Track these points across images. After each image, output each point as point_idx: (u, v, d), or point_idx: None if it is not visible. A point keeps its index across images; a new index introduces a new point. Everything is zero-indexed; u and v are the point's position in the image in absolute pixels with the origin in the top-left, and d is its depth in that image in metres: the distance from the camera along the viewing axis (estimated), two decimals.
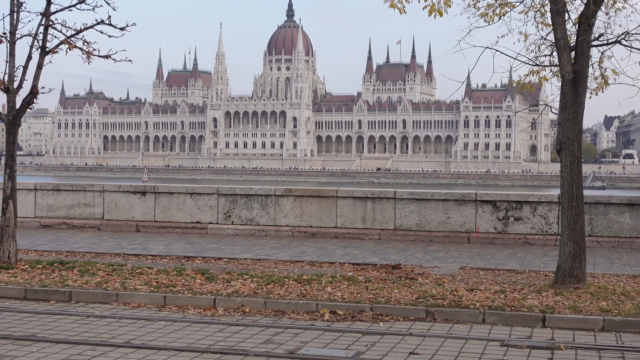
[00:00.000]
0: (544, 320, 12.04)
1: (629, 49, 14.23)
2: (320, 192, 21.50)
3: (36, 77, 16.52)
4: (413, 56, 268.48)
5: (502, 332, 11.63)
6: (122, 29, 16.75)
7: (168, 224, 22.17)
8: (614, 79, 14.96)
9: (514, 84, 15.41)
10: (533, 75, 15.21)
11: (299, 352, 10.41)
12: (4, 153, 17.11)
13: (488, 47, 14.61)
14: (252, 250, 18.56)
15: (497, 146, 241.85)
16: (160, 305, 13.25)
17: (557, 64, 14.31)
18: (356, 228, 21.01)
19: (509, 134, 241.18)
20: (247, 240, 20.39)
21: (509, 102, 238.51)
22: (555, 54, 14.58)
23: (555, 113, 14.53)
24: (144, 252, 18.16)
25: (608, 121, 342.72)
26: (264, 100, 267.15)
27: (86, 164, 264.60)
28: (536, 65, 14.79)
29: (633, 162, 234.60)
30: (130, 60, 17.46)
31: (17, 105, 16.66)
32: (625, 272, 15.67)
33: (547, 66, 14.85)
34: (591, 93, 14.63)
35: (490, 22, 14.66)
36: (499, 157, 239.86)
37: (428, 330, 11.70)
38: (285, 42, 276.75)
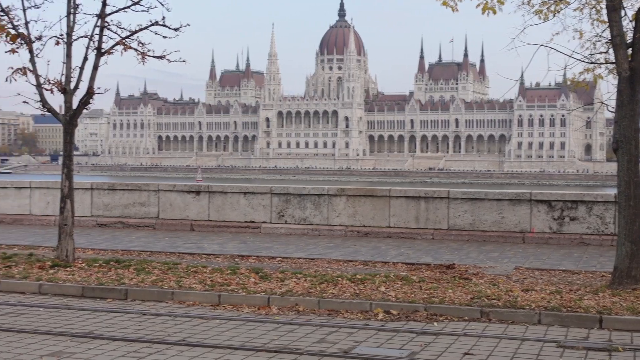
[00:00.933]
0: (601, 322, 11.87)
1: None
2: (373, 191, 21.49)
3: (92, 78, 16.75)
4: (465, 55, 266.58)
5: (558, 333, 11.50)
6: (176, 29, 16.92)
7: (222, 223, 22.35)
8: None
9: (569, 82, 15.22)
10: (588, 73, 15.01)
11: (353, 351, 10.42)
12: (61, 153, 17.37)
13: (542, 45, 14.46)
14: (305, 250, 18.63)
15: (551, 145, 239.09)
16: (215, 303, 13.35)
17: (613, 61, 14.11)
18: (409, 228, 20.95)
19: (564, 133, 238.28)
20: (300, 240, 20.46)
21: (563, 100, 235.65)
22: (611, 51, 14.39)
23: (611, 111, 14.33)
24: (198, 250, 18.33)
25: None
26: (316, 100, 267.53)
27: (141, 164, 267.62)
28: (591, 62, 14.59)
29: None
30: (184, 61, 17.61)
31: (74, 106, 16.91)
32: None
33: (602, 64, 14.64)
34: None
35: (545, 20, 14.51)
36: (553, 157, 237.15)
37: (483, 331, 11.62)
38: (337, 42, 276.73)
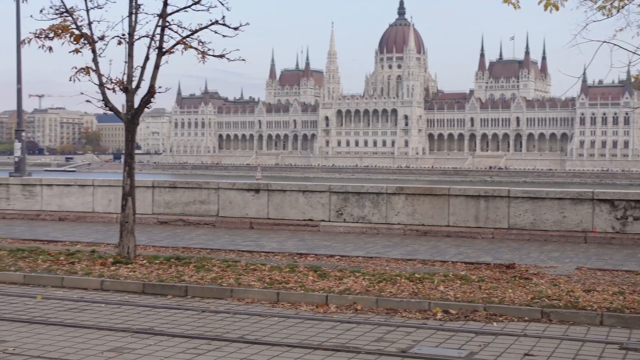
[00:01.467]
0: None
1: None
2: (432, 190, 21.37)
3: (153, 77, 16.92)
4: (527, 52, 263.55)
5: (621, 335, 11.29)
6: (235, 28, 16.98)
7: (281, 221, 22.43)
8: None
9: (632, 79, 14.91)
10: None
11: (411, 350, 10.36)
12: (123, 152, 17.60)
13: (605, 42, 14.23)
14: (363, 248, 18.59)
15: (615, 144, 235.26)
16: (274, 301, 13.39)
17: None
18: (469, 227, 20.79)
19: (627, 132, 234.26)
20: (359, 238, 20.44)
21: (626, 98, 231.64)
22: None
23: None
24: (257, 248, 18.42)
25: None
26: (375, 98, 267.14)
27: (202, 162, 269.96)
28: None
29: None
30: (243, 59, 17.67)
31: (136, 105, 17.11)
32: None
33: None
34: None
35: (609, 16, 14.24)
36: (616, 155, 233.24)
37: (543, 332, 11.47)
38: (396, 40, 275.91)
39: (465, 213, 20.86)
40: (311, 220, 22.21)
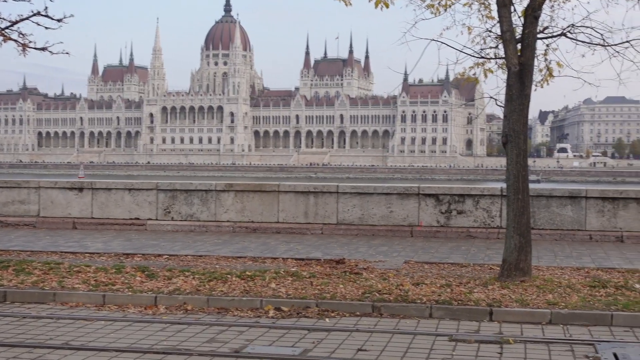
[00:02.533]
0: (491, 314, 11.93)
1: (574, 41, 14.21)
2: (261, 186, 21.19)
3: None
4: (350, 51, 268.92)
5: (450, 327, 11.49)
6: (59, 20, 16.25)
7: (106, 221, 21.63)
8: (559, 71, 14.94)
9: (459, 76, 15.24)
10: (478, 68, 15.08)
11: (245, 350, 10.13)
12: None
13: (434, 40, 14.49)
14: (192, 247, 18.17)
15: (434, 140, 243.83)
16: (100, 304, 12.83)
17: (503, 56, 14.23)
18: (298, 223, 20.75)
19: (446, 129, 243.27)
20: (188, 237, 19.98)
21: (445, 96, 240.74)
22: (500, 46, 14.50)
23: (500, 106, 14.43)
24: (81, 249, 17.63)
25: (542, 116, 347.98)
26: (201, 95, 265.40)
27: (20, 160, 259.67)
28: (481, 57, 14.67)
29: (567, 156, 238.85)
30: (67, 53, 16.96)
31: None
32: (569, 264, 15.68)
33: (492, 58, 14.75)
34: (536, 85, 14.57)
35: (437, 14, 14.51)
36: (435, 152, 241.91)
37: (375, 326, 11.51)
38: (222, 37, 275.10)
39: (295, 209, 20.81)
40: (138, 219, 21.55)
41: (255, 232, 20.60)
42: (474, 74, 15.09)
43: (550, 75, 15.00)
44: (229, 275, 14.10)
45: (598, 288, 13.16)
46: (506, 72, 14.04)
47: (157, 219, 21.45)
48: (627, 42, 14.06)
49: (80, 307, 12.69)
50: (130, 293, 13.03)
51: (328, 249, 17.81)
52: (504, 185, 20.79)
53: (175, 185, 21.53)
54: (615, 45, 13.97)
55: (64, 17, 16.23)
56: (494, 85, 15.09)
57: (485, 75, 15.17)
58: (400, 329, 11.37)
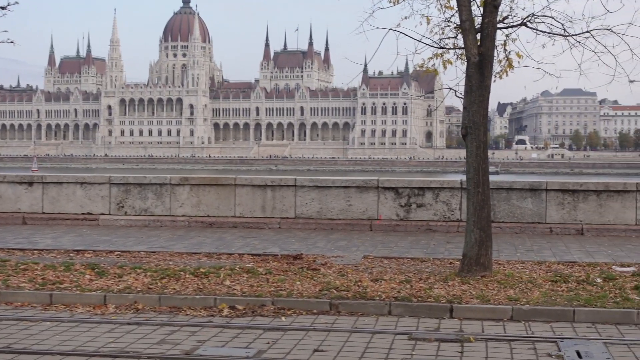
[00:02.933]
0: (452, 311, 11.62)
1: (535, 31, 13.93)
2: (217, 180, 20.71)
3: None
4: (310, 43, 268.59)
5: (410, 325, 11.15)
6: (2, 8, 15.67)
7: (57, 216, 20.99)
8: (518, 62, 14.67)
9: (417, 67, 14.89)
10: (437, 59, 14.75)
11: (196, 352, 9.71)
12: None
13: (392, 29, 14.13)
14: (146, 242, 17.66)
15: (394, 133, 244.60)
16: (46, 304, 12.30)
17: (462, 46, 13.92)
18: (256, 217, 20.32)
19: (405, 121, 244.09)
20: (141, 232, 19.44)
21: (405, 89, 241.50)
22: (459, 36, 14.20)
23: (459, 97, 14.10)
24: (30, 246, 17.03)
25: (501, 108, 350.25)
26: (160, 87, 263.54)
27: None
28: (440, 47, 14.32)
29: (525, 147, 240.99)
30: (12, 42, 16.39)
31: None
32: (530, 258, 15.44)
33: (451, 49, 14.42)
34: (495, 77, 14.26)
35: (395, 3, 14.15)
36: (395, 144, 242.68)
37: (332, 325, 11.14)
38: (181, 29, 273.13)
39: (252, 203, 20.38)
40: (90, 214, 20.95)
41: (211, 227, 20.13)
42: (433, 65, 14.75)
43: (510, 66, 14.72)
44: (182, 273, 13.64)
45: (560, 283, 12.91)
46: (465, 62, 13.72)
47: (110, 214, 20.89)
48: (588, 32, 13.82)
49: (25, 307, 12.15)
50: (78, 292, 12.52)
51: (286, 244, 17.41)
52: (464, 177, 20.59)
53: (129, 179, 20.95)
54: (576, 35, 13.73)
55: (9, 5, 15.66)
56: (453, 76, 14.78)
57: (445, 67, 14.84)
58: (358, 327, 11.01)
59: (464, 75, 13.89)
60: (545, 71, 14.11)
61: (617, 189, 19.32)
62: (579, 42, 13.75)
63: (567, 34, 13.83)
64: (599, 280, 13.10)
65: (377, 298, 11.99)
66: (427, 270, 14.04)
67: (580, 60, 14.06)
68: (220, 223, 20.22)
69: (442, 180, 20.30)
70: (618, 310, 11.44)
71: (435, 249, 16.78)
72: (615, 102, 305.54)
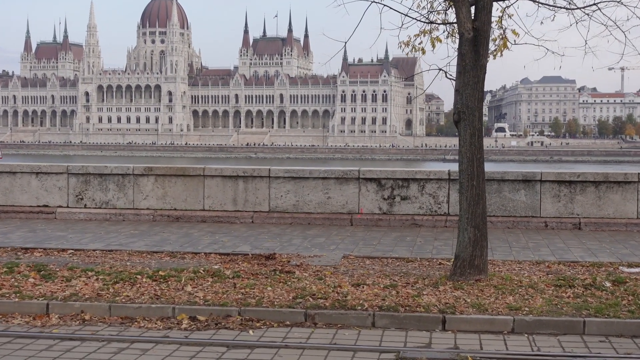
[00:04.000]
0: (444, 322, 10.11)
1: (537, 3, 12.40)
2: (184, 170, 19.01)
3: None
4: (290, 30, 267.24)
5: (397, 339, 9.63)
6: None
7: (10, 209, 19.25)
8: (514, 40, 13.18)
9: (402, 46, 13.25)
10: (424, 36, 13.20)
11: None
12: None
13: (374, 1, 12.57)
14: (104, 239, 16.01)
15: (374, 120, 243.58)
16: None
17: (453, 21, 12.38)
18: (226, 210, 18.70)
19: (385, 109, 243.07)
20: (101, 227, 17.76)
21: (384, 76, 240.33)
22: (450, 11, 12.69)
23: (450, 78, 12.54)
24: None
25: None
26: (138, 73, 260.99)
27: None
28: (429, 22, 12.76)
29: (505, 135, 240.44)
30: None
31: None
32: (527, 257, 13.94)
33: (441, 24, 12.86)
34: (488, 56, 12.72)
35: None
36: (375, 132, 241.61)
37: (308, 340, 9.60)
38: (159, 15, 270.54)
39: (223, 195, 18.76)
40: (46, 206, 19.26)
41: (178, 221, 18.52)
42: (420, 44, 13.18)
43: (505, 45, 13.22)
44: (138, 276, 12.05)
45: (564, 287, 11.43)
46: (457, 40, 12.17)
47: (68, 207, 19.20)
48: (595, 4, 12.33)
49: None
50: (17, 299, 10.93)
51: (258, 241, 15.83)
52: (451, 167, 19.07)
53: (89, 169, 19.22)
54: (584, 7, 12.20)
55: None
56: (442, 55, 13.25)
57: (433, 45, 13.25)
58: (337, 343, 9.48)
59: (456, 54, 12.36)
60: (547, 49, 12.59)
61: (617, 179, 17.83)
62: (588, 14, 12.22)
63: (572, 7, 12.32)
64: (607, 284, 11.64)
65: (359, 307, 10.47)
66: (414, 273, 12.53)
67: (586, 36, 12.55)
68: (187, 217, 18.61)
69: (428, 170, 18.72)
70: (635, 321, 9.98)
71: (422, 247, 15.25)
72: (594, 89, 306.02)
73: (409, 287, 11.43)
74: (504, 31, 13.07)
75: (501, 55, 13.41)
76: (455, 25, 12.35)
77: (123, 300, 10.91)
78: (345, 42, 12.99)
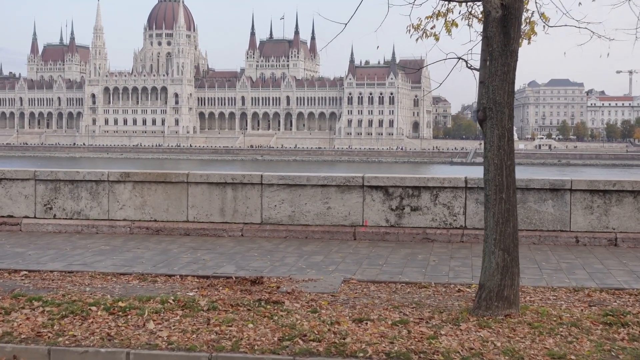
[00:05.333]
0: None
1: None
2: (166, 176, 16.73)
3: None
4: (296, 32, 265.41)
5: None
6: None
7: None
8: (544, 26, 11.01)
9: (412, 29, 11.03)
10: (438, 19, 11.03)
11: None
12: None
13: None
14: (68, 257, 13.80)
15: (381, 123, 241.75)
16: None
17: None
18: (213, 222, 16.49)
19: (392, 111, 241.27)
20: (69, 241, 15.54)
21: (391, 79, 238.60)
22: None
23: (472, 68, 10.31)
24: None
25: None
26: (145, 75, 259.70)
27: None
28: (447, 0, 10.57)
29: None
30: None
31: None
32: (561, 282, 11.71)
33: (461, 0, 10.66)
34: (522, 39, 10.54)
35: None
36: (382, 134, 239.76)
37: None
38: (166, 17, 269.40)
39: (209, 205, 16.55)
40: (11, 216, 17.05)
41: (157, 234, 16.32)
42: (433, 28, 11.01)
43: (532, 30, 11.06)
44: (93, 307, 9.85)
45: (615, 326, 9.19)
46: (483, 21, 9.97)
47: (35, 217, 16.99)
48: None
49: None
50: None
51: (245, 260, 13.63)
52: (467, 174, 16.85)
53: (58, 175, 16.98)
54: None
55: None
56: (460, 42, 11.07)
57: (449, 30, 11.12)
58: None
59: (479, 38, 10.18)
60: (592, 32, 10.38)
61: None
62: None
63: None
64: None
65: (361, 354, 8.27)
66: (428, 303, 10.31)
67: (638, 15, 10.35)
68: (169, 229, 16.40)
69: (442, 177, 16.41)
70: None
71: (436, 268, 13.02)
72: (602, 92, 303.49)
73: (423, 325, 9.21)
74: (532, 15, 10.93)
75: (529, 43, 11.28)
76: (478, 2, 10.17)
77: (67, 342, 8.73)
78: (345, 24, 10.77)
